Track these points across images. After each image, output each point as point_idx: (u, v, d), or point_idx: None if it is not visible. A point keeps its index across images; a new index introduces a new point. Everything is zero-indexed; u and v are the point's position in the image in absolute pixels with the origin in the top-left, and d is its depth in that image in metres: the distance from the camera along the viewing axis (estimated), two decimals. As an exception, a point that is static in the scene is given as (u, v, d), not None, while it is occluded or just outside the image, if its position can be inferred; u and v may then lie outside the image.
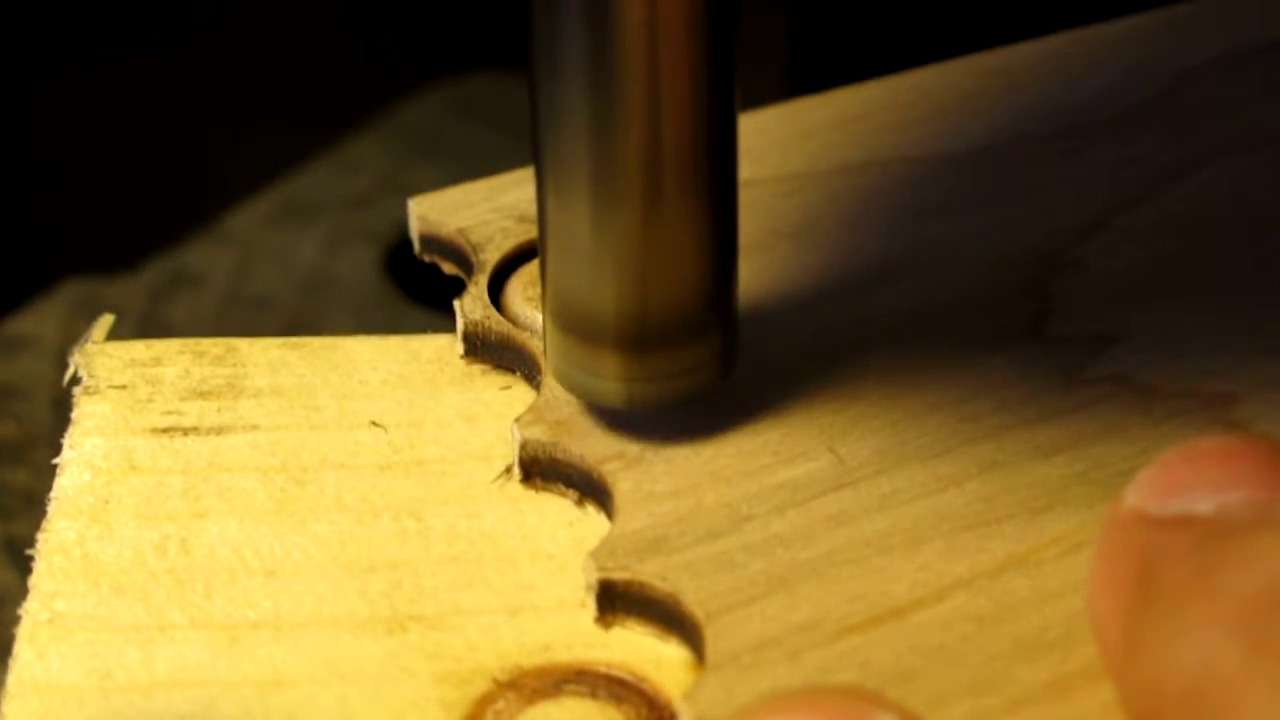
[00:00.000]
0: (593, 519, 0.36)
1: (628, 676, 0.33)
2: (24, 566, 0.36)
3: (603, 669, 0.33)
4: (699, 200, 0.34)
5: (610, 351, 0.35)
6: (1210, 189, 0.43)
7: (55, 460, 0.37)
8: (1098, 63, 0.47)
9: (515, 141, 0.62)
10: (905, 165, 0.43)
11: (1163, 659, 0.28)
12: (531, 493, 0.37)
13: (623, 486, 0.35)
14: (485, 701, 0.33)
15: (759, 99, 0.44)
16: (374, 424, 0.38)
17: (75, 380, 0.39)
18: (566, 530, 0.36)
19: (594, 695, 0.33)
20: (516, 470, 0.37)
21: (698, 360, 0.36)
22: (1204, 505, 0.30)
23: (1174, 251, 0.41)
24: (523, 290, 0.40)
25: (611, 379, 0.36)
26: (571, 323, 0.36)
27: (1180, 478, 0.30)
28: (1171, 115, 0.45)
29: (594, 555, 0.34)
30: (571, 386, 0.36)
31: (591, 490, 0.36)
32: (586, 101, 0.33)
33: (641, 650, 0.34)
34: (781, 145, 0.44)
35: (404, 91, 0.73)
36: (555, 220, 0.35)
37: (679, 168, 0.34)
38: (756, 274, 0.39)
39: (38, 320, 0.62)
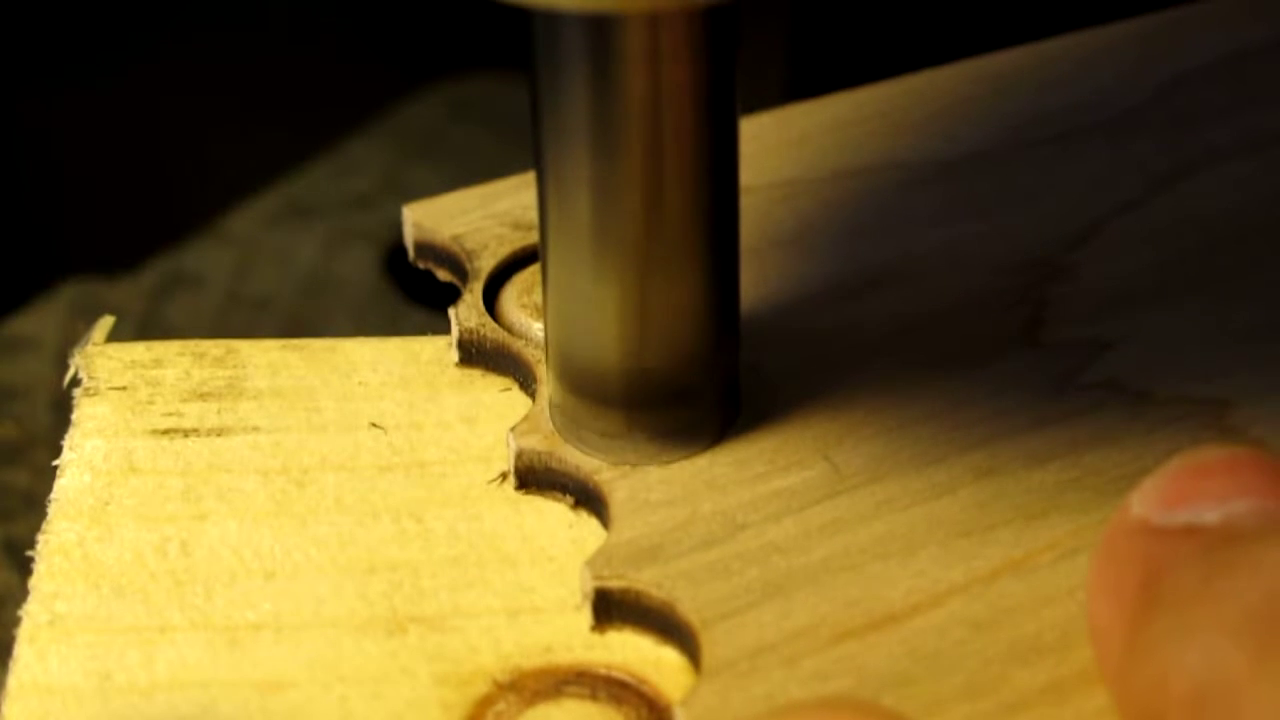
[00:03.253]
0: (593, 521, 0.36)
1: (628, 678, 0.33)
2: (24, 568, 0.36)
3: (603, 671, 0.34)
4: (700, 264, 0.35)
5: (611, 409, 0.36)
6: (1204, 193, 0.43)
7: (55, 462, 0.38)
8: (1091, 67, 0.47)
9: (514, 143, 0.62)
10: (899, 171, 0.43)
11: (1167, 663, 0.28)
12: (532, 494, 0.37)
13: (618, 495, 0.35)
14: (485, 703, 0.33)
15: (757, 106, 0.44)
16: (374, 425, 0.38)
17: (75, 382, 0.39)
18: (567, 532, 0.36)
19: (594, 697, 0.33)
20: (512, 478, 0.37)
21: (698, 418, 0.36)
22: (1210, 515, 0.30)
23: (1168, 256, 0.41)
24: (518, 298, 0.40)
25: (612, 436, 0.36)
26: (573, 379, 0.36)
27: (1186, 489, 0.30)
28: (1165, 119, 0.45)
29: (590, 564, 0.34)
30: (575, 441, 0.36)
31: (587, 499, 0.36)
32: (590, 166, 0.33)
33: (642, 652, 0.34)
34: (775, 151, 0.44)
35: (404, 92, 0.73)
36: (558, 281, 0.35)
37: (680, 231, 0.34)
38: (750, 280, 0.39)
39: (38, 321, 0.62)
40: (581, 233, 0.34)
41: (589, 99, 0.33)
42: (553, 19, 0.32)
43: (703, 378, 0.36)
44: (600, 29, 0.32)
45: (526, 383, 0.39)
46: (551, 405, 0.37)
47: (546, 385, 0.37)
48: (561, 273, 0.35)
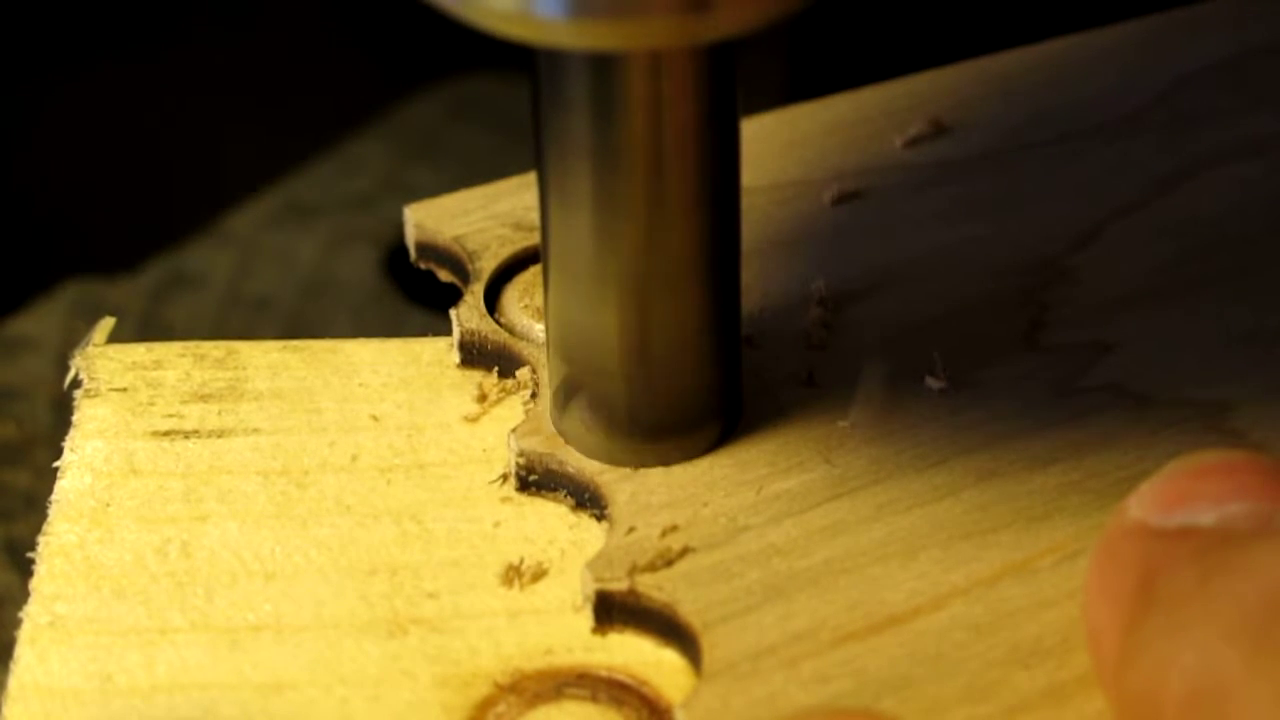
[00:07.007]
0: (594, 522, 0.36)
1: (628, 680, 0.34)
2: (25, 569, 0.36)
3: (603, 672, 0.34)
4: (702, 292, 0.35)
5: (613, 418, 0.36)
6: (1205, 196, 0.43)
7: (56, 463, 0.38)
8: (1093, 68, 0.47)
9: (515, 142, 0.62)
10: (900, 172, 0.43)
11: (1163, 663, 0.29)
12: (532, 495, 0.37)
13: (620, 498, 0.35)
14: (486, 705, 0.33)
15: (757, 106, 0.44)
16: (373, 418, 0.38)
17: (76, 383, 0.39)
18: (568, 533, 0.36)
19: (594, 698, 0.33)
20: (513, 479, 0.37)
21: (700, 423, 0.36)
22: (1206, 517, 0.30)
23: (1169, 259, 0.41)
24: (519, 299, 0.40)
25: (613, 440, 0.36)
26: (575, 390, 0.36)
27: (1183, 491, 0.30)
28: (1166, 122, 0.45)
29: (591, 566, 0.34)
30: (576, 444, 0.37)
31: (588, 501, 0.36)
32: (591, 196, 0.34)
33: (642, 654, 0.34)
34: (777, 152, 0.44)
35: (404, 92, 0.73)
36: (560, 305, 0.36)
37: (682, 261, 0.35)
38: (751, 282, 0.39)
39: (38, 321, 0.62)
40: (584, 260, 0.34)
41: (591, 135, 0.33)
42: (556, 55, 0.32)
43: (705, 391, 0.36)
44: (603, 66, 0.32)
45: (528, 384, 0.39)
46: (552, 408, 0.37)
47: (547, 388, 0.37)
48: (564, 298, 0.35)
